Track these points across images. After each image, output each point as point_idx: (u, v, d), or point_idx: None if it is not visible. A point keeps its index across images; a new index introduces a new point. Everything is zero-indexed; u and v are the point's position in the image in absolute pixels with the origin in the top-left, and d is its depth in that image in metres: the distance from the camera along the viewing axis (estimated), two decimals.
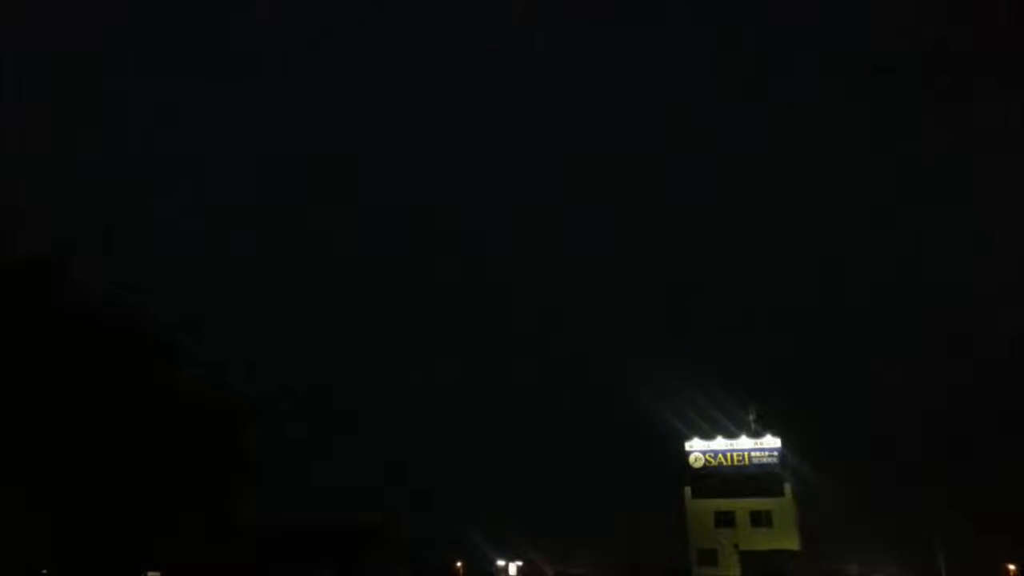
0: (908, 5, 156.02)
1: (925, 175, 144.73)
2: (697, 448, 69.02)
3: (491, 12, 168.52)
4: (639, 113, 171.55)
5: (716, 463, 68.28)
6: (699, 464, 68.53)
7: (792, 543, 63.87)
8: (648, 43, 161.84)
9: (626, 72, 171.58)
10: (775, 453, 67.69)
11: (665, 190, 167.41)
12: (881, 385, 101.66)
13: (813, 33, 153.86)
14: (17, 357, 35.87)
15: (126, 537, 40.71)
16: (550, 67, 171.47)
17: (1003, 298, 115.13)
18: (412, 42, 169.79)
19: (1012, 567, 62.68)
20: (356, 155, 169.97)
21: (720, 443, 68.83)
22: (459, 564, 72.99)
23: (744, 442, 68.50)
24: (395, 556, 74.29)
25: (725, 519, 66.40)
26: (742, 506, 66.37)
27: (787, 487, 66.16)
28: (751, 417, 69.55)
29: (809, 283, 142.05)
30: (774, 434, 68.42)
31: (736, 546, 63.16)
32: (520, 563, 71.13)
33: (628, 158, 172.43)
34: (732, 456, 68.24)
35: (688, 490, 67.99)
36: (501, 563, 71.24)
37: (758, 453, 67.94)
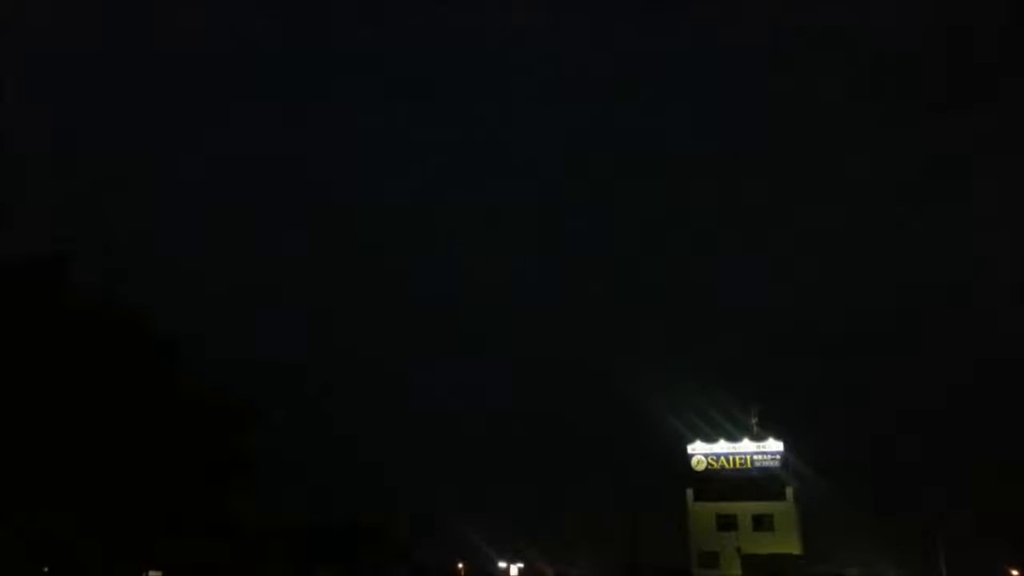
0: (909, 5, 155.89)
1: (925, 175, 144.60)
2: (699, 451, 68.77)
3: (491, 11, 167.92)
4: (639, 113, 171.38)
5: (718, 466, 68.05)
6: (701, 467, 68.31)
7: (794, 547, 63.63)
8: (647, 43, 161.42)
9: (626, 72, 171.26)
10: (777, 456, 67.41)
11: (665, 190, 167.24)
12: (881, 385, 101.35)
13: (813, 33, 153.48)
14: (17, 357, 35.64)
15: (127, 536, 40.55)
16: (551, 67, 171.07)
17: (1003, 298, 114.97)
18: (412, 42, 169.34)
19: (1015, 572, 62.47)
20: (356, 157, 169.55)
21: (722, 446, 68.57)
22: (460, 565, 72.75)
23: (746, 445, 68.23)
24: (395, 556, 74.06)
25: (727, 522, 66.20)
26: (744, 509, 66.16)
27: (789, 491, 65.91)
28: (753, 420, 69.27)
29: (809, 283, 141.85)
30: (776, 437, 68.17)
31: (738, 549, 62.91)
32: (521, 565, 70.93)
33: (628, 158, 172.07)
34: (734, 459, 68.01)
35: (690, 493, 67.77)
36: (503, 565, 71.00)
37: (760, 456, 67.68)
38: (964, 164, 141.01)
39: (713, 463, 68.22)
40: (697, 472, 68.26)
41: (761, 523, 65.50)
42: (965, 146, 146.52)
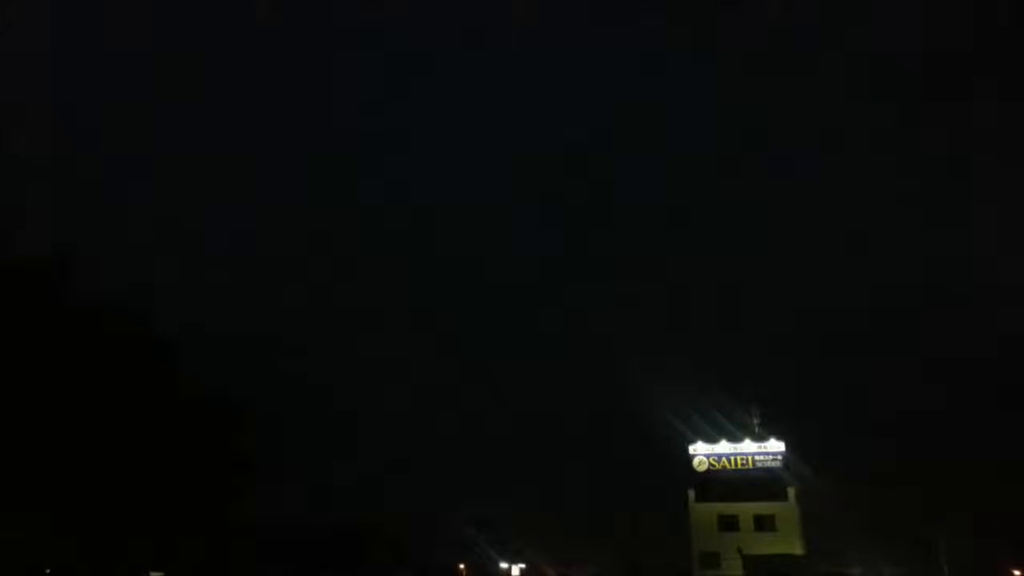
0: (909, 5, 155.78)
1: (925, 175, 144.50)
2: (701, 451, 68.46)
3: (491, 11, 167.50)
4: (639, 112, 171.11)
5: (720, 467, 67.80)
6: (703, 468, 68.03)
7: (796, 547, 63.38)
8: (647, 43, 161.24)
9: (626, 72, 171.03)
10: (779, 457, 67.16)
11: (665, 190, 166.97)
12: (881, 385, 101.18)
13: (813, 33, 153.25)
14: (18, 357, 35.46)
15: (128, 537, 40.43)
16: (551, 67, 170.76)
17: (1003, 298, 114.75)
18: (411, 42, 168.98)
19: (1016, 572, 62.45)
20: (356, 155, 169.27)
21: (724, 446, 68.26)
22: (462, 566, 72.58)
23: (748, 446, 67.96)
24: (395, 556, 73.98)
25: (729, 523, 65.89)
26: (746, 510, 65.81)
27: (791, 491, 65.70)
28: (755, 420, 69.06)
29: (809, 283, 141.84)
30: (778, 437, 67.95)
31: (740, 550, 62.70)
32: (523, 565, 70.77)
33: (628, 157, 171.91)
34: (736, 460, 67.75)
35: (692, 493, 67.49)
36: (504, 565, 70.83)
37: (762, 457, 67.44)
38: (964, 164, 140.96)
39: (715, 463, 68.00)
40: (699, 472, 67.99)
41: (763, 523, 65.20)
42: (966, 146, 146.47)
